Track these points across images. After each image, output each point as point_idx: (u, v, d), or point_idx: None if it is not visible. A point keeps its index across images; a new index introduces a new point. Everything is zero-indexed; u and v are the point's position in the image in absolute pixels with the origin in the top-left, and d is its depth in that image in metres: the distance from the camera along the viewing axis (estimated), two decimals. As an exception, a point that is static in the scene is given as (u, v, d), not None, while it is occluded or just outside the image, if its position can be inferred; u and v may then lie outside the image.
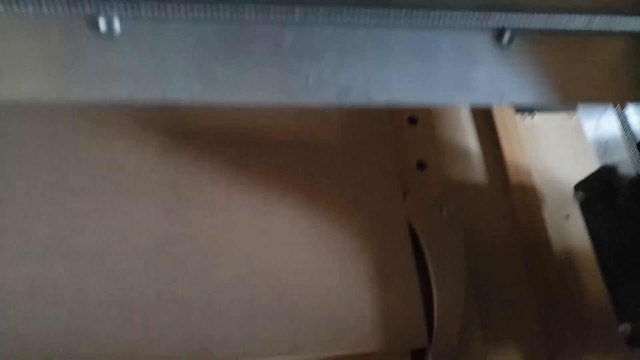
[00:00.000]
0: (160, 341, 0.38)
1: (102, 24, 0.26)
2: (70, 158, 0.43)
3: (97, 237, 0.40)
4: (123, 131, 0.45)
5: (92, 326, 0.38)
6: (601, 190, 0.43)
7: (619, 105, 0.40)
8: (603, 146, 0.43)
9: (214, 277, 0.40)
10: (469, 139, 0.54)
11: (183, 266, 0.40)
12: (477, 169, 0.52)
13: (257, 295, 0.40)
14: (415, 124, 0.52)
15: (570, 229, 0.51)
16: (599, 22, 0.30)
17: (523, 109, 0.57)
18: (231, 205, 0.43)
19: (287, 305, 0.40)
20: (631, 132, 0.40)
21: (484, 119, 0.56)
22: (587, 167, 0.51)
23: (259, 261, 0.42)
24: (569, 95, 0.32)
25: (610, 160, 0.42)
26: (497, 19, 0.29)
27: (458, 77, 0.30)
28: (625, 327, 0.38)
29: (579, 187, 0.48)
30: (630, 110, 0.40)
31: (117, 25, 0.26)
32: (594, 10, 0.30)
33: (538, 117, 0.57)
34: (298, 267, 0.42)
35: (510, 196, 0.52)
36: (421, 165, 0.50)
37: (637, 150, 0.39)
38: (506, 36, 0.30)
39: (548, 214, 0.51)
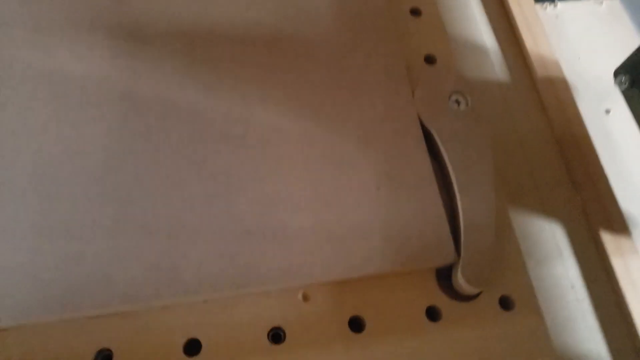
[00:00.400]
0: (117, 274, 0.30)
1: None
2: (4, 73, 0.35)
3: (38, 156, 0.33)
4: (66, 37, 0.37)
5: (33, 262, 0.30)
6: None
7: None
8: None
9: (182, 196, 0.32)
10: (483, 32, 0.46)
11: (143, 185, 0.33)
12: (495, 64, 0.44)
13: (236, 214, 0.32)
14: (419, 15, 0.43)
15: (612, 124, 0.43)
16: None
17: (542, -2, 0.48)
18: (199, 113, 0.35)
19: (274, 224, 0.32)
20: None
21: (498, 10, 0.47)
22: (622, 59, 0.42)
23: (237, 175, 0.34)
24: None
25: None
26: None
27: None
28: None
29: (620, 71, 0.40)
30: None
31: None
32: None
33: (561, 6, 0.48)
34: (287, 180, 0.34)
35: (538, 92, 0.43)
36: (430, 60, 0.41)
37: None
38: None
39: (584, 110, 0.42)
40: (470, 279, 0.32)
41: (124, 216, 0.32)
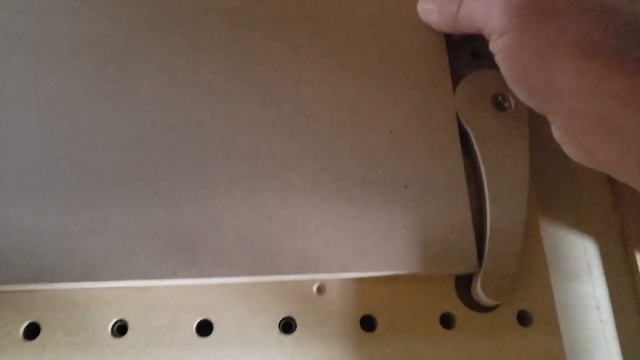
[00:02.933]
0: (138, 250, 0.31)
1: None
2: (46, 38, 0.35)
3: (70, 126, 0.33)
4: (108, 6, 0.36)
5: (58, 230, 0.31)
6: None
7: None
8: None
9: (207, 177, 0.33)
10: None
11: (171, 163, 0.33)
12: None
13: (259, 200, 0.32)
14: (470, 4, 0.41)
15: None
16: None
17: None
18: (234, 92, 0.35)
19: (296, 214, 0.32)
20: None
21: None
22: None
23: (264, 160, 0.33)
24: None
25: None
26: None
27: None
28: None
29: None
30: None
31: None
32: None
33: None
34: (313, 170, 0.33)
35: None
36: (476, 55, 0.39)
37: None
38: None
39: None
40: (489, 291, 0.31)
41: (149, 192, 0.32)
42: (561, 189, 0.38)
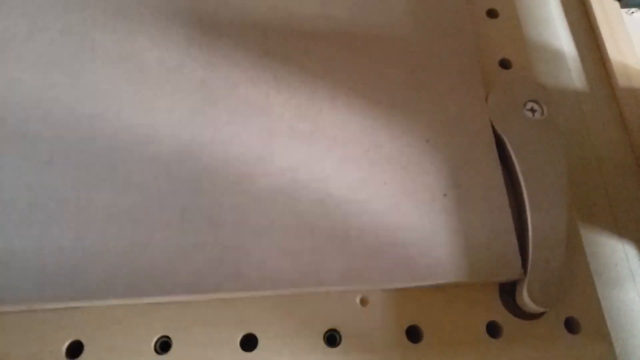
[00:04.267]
0: (182, 264, 0.30)
1: None
2: (83, 54, 0.36)
3: (111, 142, 0.33)
4: (144, 23, 0.37)
5: (101, 246, 0.30)
6: None
7: None
8: None
9: (249, 190, 0.32)
10: (562, 36, 0.43)
11: (212, 177, 0.33)
12: (573, 71, 0.42)
13: (301, 212, 0.32)
14: (496, 17, 0.42)
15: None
16: None
17: (630, 3, 0.45)
18: (270, 106, 0.35)
19: (338, 225, 0.32)
20: None
21: (580, 14, 0.45)
22: None
23: (304, 172, 0.33)
24: None
25: None
26: None
27: None
28: None
29: None
30: None
31: None
32: None
33: (650, 12, 0.45)
34: (352, 179, 0.33)
35: (619, 104, 0.41)
36: (505, 64, 0.40)
37: None
38: None
39: (669, 125, 0.40)
40: (536, 298, 0.31)
41: (192, 207, 0.32)
42: (597, 196, 0.38)
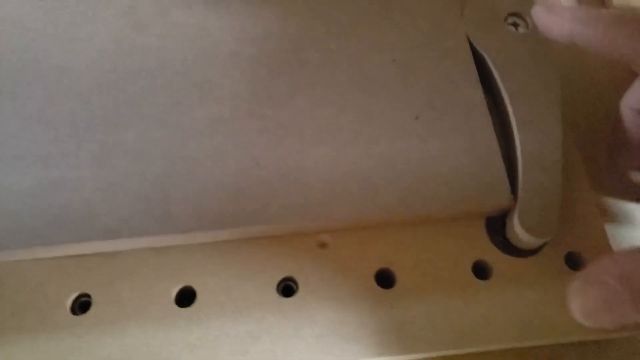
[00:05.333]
0: (100, 206, 0.25)
1: None
2: None
3: (20, 76, 0.28)
4: None
5: (5, 189, 0.25)
6: None
7: None
8: None
9: (182, 121, 0.28)
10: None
11: (138, 108, 0.28)
12: (562, -8, 0.37)
13: (244, 142, 0.27)
14: None
15: None
16: None
17: None
18: (209, 31, 0.30)
19: (289, 156, 0.27)
20: None
21: None
22: None
23: (248, 99, 0.28)
24: None
25: None
26: None
27: None
28: None
29: None
30: None
31: None
32: None
33: None
34: (307, 107, 0.28)
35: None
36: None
37: None
38: None
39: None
40: (530, 226, 0.26)
41: (113, 141, 0.27)
42: (597, 122, 0.33)
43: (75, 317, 0.25)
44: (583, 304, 0.23)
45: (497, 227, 0.28)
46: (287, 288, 0.26)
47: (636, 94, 0.26)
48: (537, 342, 0.25)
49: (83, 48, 0.29)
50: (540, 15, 0.27)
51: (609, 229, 0.29)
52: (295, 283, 0.26)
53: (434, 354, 0.25)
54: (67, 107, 0.28)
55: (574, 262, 0.27)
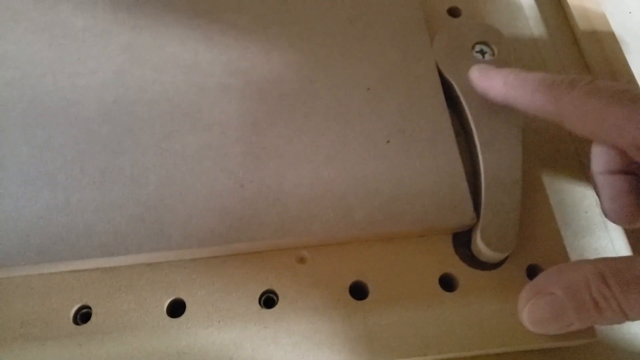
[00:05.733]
0: (100, 226, 0.28)
1: None
2: (3, 23, 0.34)
3: (31, 107, 0.31)
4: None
5: (10, 208, 0.28)
6: None
7: None
8: None
9: (174, 148, 0.30)
10: (517, -15, 0.41)
11: (135, 136, 0.31)
12: (531, 19, 0.40)
13: (230, 167, 0.30)
14: (444, -33, 0.40)
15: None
16: None
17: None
18: (199, 64, 0.33)
19: (270, 179, 0.30)
20: None
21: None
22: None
23: (233, 127, 0.31)
24: None
25: None
26: None
27: None
28: None
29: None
30: None
31: None
32: None
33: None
34: (286, 133, 0.31)
35: (580, 48, 0.38)
36: (454, 13, 0.38)
37: None
38: None
39: (636, 67, 0.37)
40: (490, 242, 0.28)
41: (113, 166, 0.30)
42: (560, 142, 0.35)
43: (77, 326, 0.27)
44: (531, 314, 0.25)
45: (463, 242, 0.30)
46: (268, 300, 0.29)
47: (597, 158, 0.27)
48: (499, 349, 0.28)
49: (87, 82, 0.32)
50: (476, 80, 0.30)
51: (572, 241, 0.31)
52: (276, 295, 0.28)
53: (401, 360, 0.27)
54: (72, 135, 0.31)
55: (534, 274, 0.29)
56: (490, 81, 0.29)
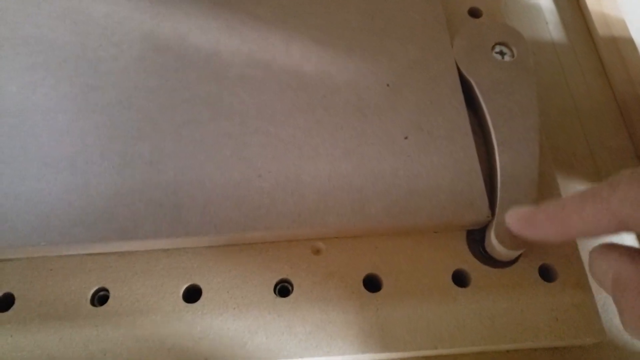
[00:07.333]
0: (119, 209, 0.29)
1: None
2: (26, 8, 0.34)
3: (52, 92, 0.32)
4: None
5: (31, 190, 0.29)
6: None
7: None
8: None
9: (194, 135, 0.31)
10: (538, -12, 0.41)
11: (155, 123, 0.31)
12: (550, 23, 0.40)
13: (248, 156, 0.30)
14: (464, -33, 0.40)
15: (686, 90, 0.37)
16: None
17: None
18: (220, 55, 0.33)
19: (289, 169, 0.30)
20: None
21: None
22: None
23: (253, 117, 0.31)
24: None
25: None
26: None
27: None
28: None
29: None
30: None
31: None
32: None
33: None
34: (305, 126, 0.31)
35: (599, 53, 0.39)
36: (474, 13, 0.38)
37: None
38: None
39: (653, 72, 0.37)
40: (504, 239, 0.28)
41: (132, 152, 0.30)
42: (577, 146, 0.35)
43: (94, 308, 0.28)
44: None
45: (476, 239, 0.30)
46: (283, 289, 0.29)
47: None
48: (509, 346, 0.28)
49: (108, 68, 0.33)
50: (515, 227, 0.25)
51: (584, 241, 0.32)
52: (291, 285, 0.29)
53: (412, 354, 0.27)
54: (93, 120, 0.31)
55: (547, 273, 0.29)
56: (531, 229, 0.24)
